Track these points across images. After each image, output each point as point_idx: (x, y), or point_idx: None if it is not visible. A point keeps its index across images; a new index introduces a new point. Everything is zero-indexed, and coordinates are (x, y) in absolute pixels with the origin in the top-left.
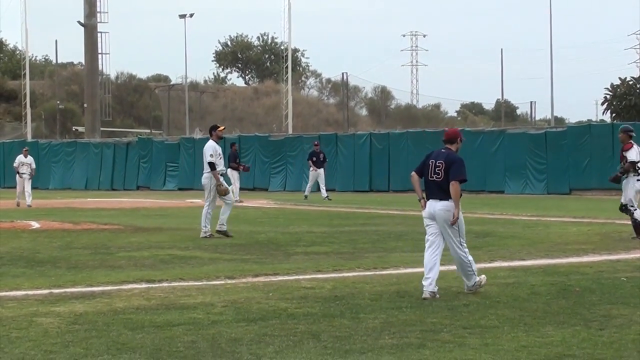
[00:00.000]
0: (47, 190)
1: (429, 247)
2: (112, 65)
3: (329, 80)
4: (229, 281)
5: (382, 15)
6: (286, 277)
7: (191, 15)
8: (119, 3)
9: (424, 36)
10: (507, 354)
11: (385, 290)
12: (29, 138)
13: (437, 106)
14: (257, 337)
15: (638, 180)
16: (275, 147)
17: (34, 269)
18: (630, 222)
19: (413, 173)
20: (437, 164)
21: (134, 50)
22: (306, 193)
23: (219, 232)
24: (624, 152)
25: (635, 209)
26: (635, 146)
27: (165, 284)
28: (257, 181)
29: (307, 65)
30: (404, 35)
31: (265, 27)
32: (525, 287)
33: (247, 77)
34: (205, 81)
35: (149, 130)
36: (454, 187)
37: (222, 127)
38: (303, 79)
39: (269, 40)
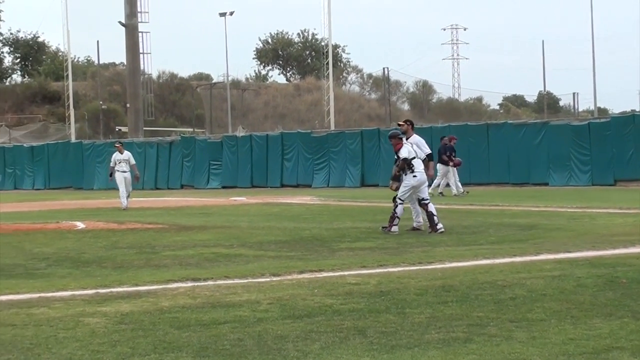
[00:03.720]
0: (92, 191)
1: None
2: (153, 64)
3: (370, 76)
4: (274, 278)
5: (422, 9)
6: (331, 274)
7: (231, 13)
8: (159, 2)
9: (465, 29)
10: (554, 347)
11: (431, 284)
12: (73, 139)
13: (479, 99)
14: (303, 333)
15: None
16: (317, 144)
17: (80, 269)
18: None
19: None
20: None
21: (175, 49)
22: (440, 190)
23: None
24: None
25: None
26: None
27: (210, 282)
28: (300, 178)
29: (348, 61)
30: (444, 29)
31: (306, 24)
32: (572, 279)
33: (288, 74)
34: (247, 79)
35: (191, 129)
36: None
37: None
38: (344, 74)
39: (310, 37)
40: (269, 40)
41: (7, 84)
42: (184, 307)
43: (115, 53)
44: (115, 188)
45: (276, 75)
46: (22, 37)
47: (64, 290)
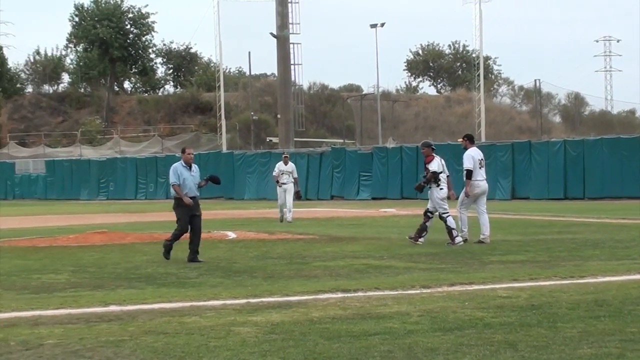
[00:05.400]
0: (242, 201)
1: None
2: (304, 75)
3: (521, 88)
4: (425, 290)
5: (574, 21)
6: (482, 286)
7: (382, 25)
8: (310, 14)
9: (618, 41)
10: None
11: (583, 299)
12: (224, 149)
13: (632, 112)
14: (453, 346)
15: None
16: None
17: (231, 278)
18: None
19: None
20: None
21: (326, 60)
22: None
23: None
24: None
25: None
26: None
27: (360, 294)
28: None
29: (499, 73)
30: (597, 41)
31: (457, 35)
32: None
33: (438, 86)
34: (397, 90)
35: (341, 140)
36: None
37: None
38: (495, 86)
39: (460, 48)
40: (420, 52)
41: (160, 94)
42: (334, 318)
43: (266, 64)
44: (272, 199)
45: (426, 87)
46: (175, 48)
47: (215, 300)
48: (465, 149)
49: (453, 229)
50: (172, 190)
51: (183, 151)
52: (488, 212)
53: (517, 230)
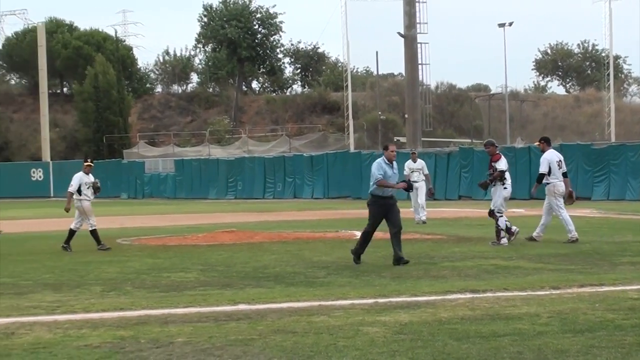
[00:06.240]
0: None
1: None
2: (432, 75)
3: None
4: (554, 291)
5: None
6: (612, 288)
7: (510, 24)
8: (438, 13)
9: None
10: None
11: None
12: (352, 149)
13: None
14: (584, 348)
15: None
16: (597, 156)
17: (359, 278)
18: None
19: None
20: None
21: (454, 59)
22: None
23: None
24: None
25: None
26: None
27: (489, 294)
28: (580, 190)
29: (629, 72)
30: None
31: (586, 34)
32: None
33: (567, 85)
34: (525, 90)
35: (469, 140)
36: None
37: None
38: (625, 85)
39: (590, 48)
40: (548, 51)
41: (288, 94)
42: (463, 318)
43: (393, 64)
44: (400, 198)
45: (555, 87)
46: (302, 48)
47: (343, 299)
48: (543, 151)
49: (502, 229)
50: (372, 186)
51: (386, 148)
52: (619, 212)
53: None
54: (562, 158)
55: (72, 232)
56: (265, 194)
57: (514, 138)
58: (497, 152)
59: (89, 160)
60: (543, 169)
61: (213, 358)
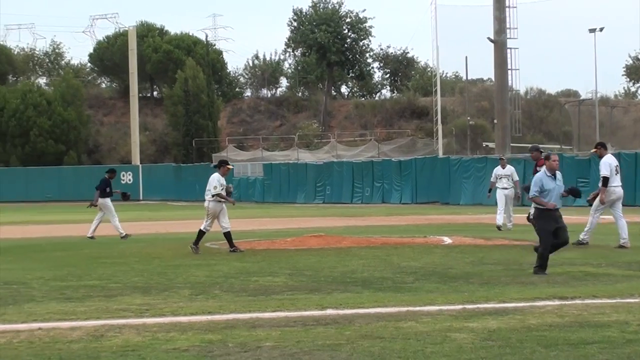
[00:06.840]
0: (458, 206)
1: None
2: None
3: None
4: None
5: None
6: None
7: (601, 30)
8: (528, 18)
9: None
10: None
11: None
12: (440, 154)
13: None
14: None
15: None
16: None
17: (447, 284)
18: None
19: None
20: None
21: (543, 65)
22: None
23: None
24: None
25: None
26: None
27: (578, 301)
28: None
29: None
30: None
31: None
32: None
33: None
34: (616, 95)
35: (558, 146)
36: None
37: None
38: None
39: None
40: (639, 57)
41: (377, 98)
42: (552, 325)
43: (483, 69)
44: (492, 204)
45: None
46: (391, 53)
47: (431, 305)
48: (600, 157)
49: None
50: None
51: (547, 157)
52: None
53: None
54: (618, 163)
55: (201, 233)
56: (353, 198)
57: None
58: (542, 157)
59: (230, 164)
60: (606, 172)
61: None
